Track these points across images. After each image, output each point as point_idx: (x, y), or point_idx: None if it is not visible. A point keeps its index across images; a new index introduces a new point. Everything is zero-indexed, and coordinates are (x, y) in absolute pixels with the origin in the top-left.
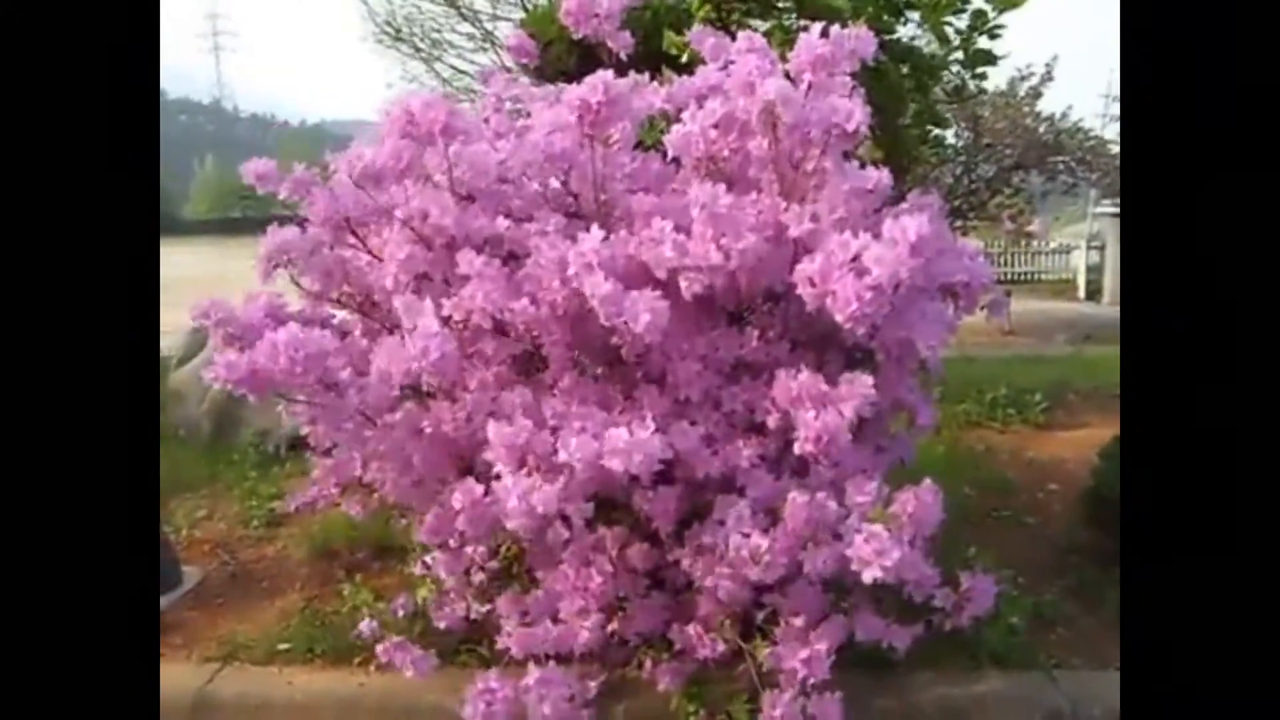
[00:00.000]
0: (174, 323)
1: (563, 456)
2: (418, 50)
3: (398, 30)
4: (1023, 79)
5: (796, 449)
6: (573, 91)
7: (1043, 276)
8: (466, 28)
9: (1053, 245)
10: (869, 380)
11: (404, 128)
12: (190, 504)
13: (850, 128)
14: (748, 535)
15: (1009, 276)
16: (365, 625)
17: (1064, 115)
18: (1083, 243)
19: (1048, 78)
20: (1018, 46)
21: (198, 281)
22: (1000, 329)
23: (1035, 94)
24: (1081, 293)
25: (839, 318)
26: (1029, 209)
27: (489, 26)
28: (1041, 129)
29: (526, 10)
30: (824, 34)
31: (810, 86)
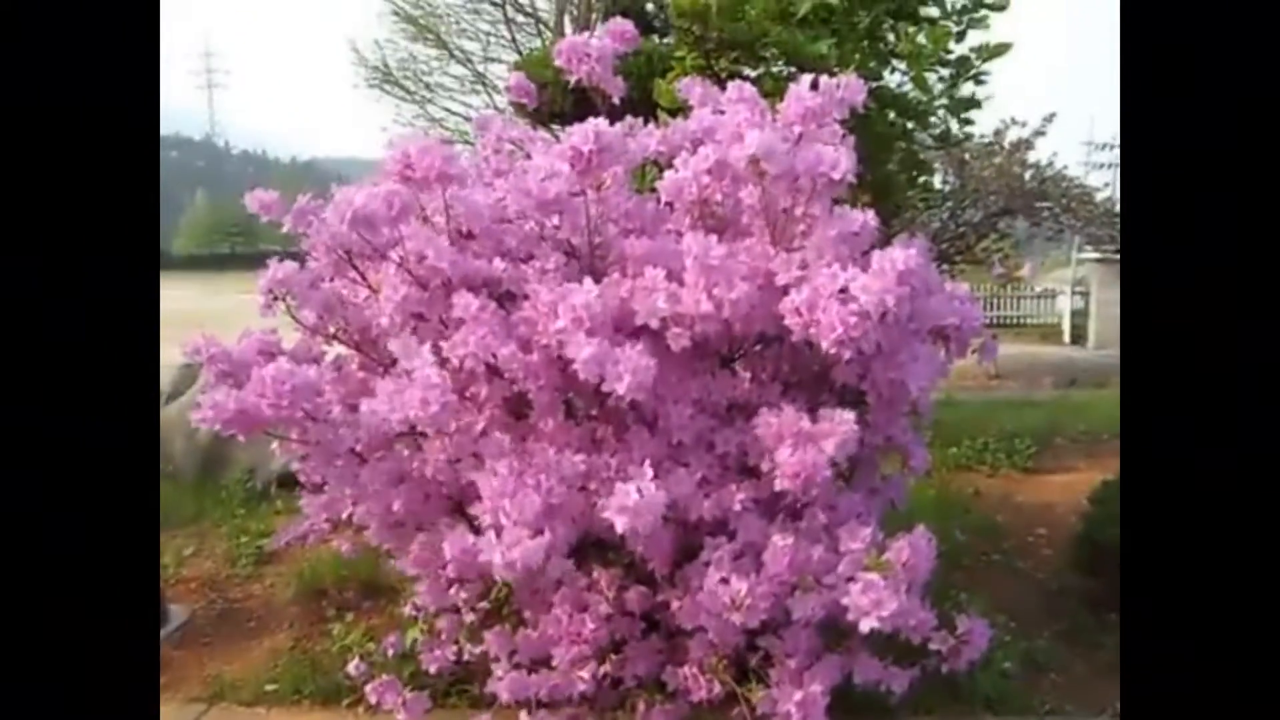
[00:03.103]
0: (164, 358)
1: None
2: (410, 93)
3: (388, 74)
4: (1008, 127)
5: (777, 486)
6: (565, 140)
7: (1028, 321)
8: (458, 69)
9: (1038, 290)
10: (850, 417)
11: (401, 172)
12: (178, 541)
13: (836, 176)
14: (727, 580)
15: (995, 320)
16: (354, 666)
17: (1049, 163)
18: (1068, 288)
19: (1040, 132)
20: (1004, 95)
21: (188, 317)
22: (987, 373)
23: (1027, 145)
24: (1067, 337)
25: (824, 344)
26: (1016, 254)
27: (480, 69)
28: (1027, 176)
29: (519, 53)
30: (814, 85)
31: (800, 136)
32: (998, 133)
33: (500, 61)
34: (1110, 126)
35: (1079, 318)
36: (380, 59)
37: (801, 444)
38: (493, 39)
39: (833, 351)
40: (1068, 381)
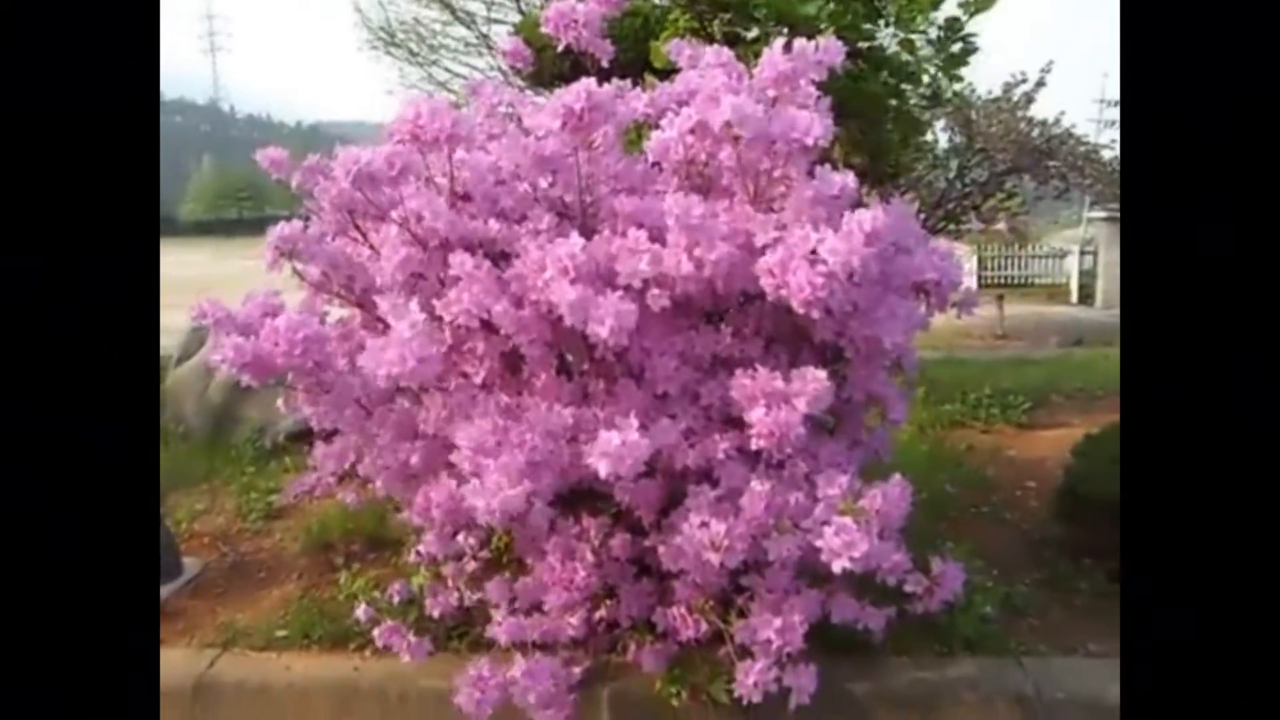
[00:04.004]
0: (173, 323)
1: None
2: (413, 55)
3: (392, 36)
4: (1017, 84)
5: (753, 445)
6: (558, 98)
7: (1037, 281)
8: (461, 31)
9: (1046, 250)
10: (822, 375)
11: (411, 131)
12: (190, 498)
13: (809, 141)
14: (706, 524)
15: (1003, 280)
16: (362, 611)
17: (1057, 120)
18: (1076, 247)
19: (1041, 84)
20: (1012, 53)
21: (197, 282)
22: (993, 333)
23: (1028, 99)
24: (1074, 297)
25: (794, 304)
26: (1022, 211)
27: (484, 30)
28: (1035, 134)
29: (522, 13)
30: (787, 48)
31: (775, 100)
32: (1007, 87)
33: (503, 23)
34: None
35: (1087, 277)
36: (384, 20)
37: (775, 403)
38: (495, 0)
39: (802, 312)
40: (1073, 340)
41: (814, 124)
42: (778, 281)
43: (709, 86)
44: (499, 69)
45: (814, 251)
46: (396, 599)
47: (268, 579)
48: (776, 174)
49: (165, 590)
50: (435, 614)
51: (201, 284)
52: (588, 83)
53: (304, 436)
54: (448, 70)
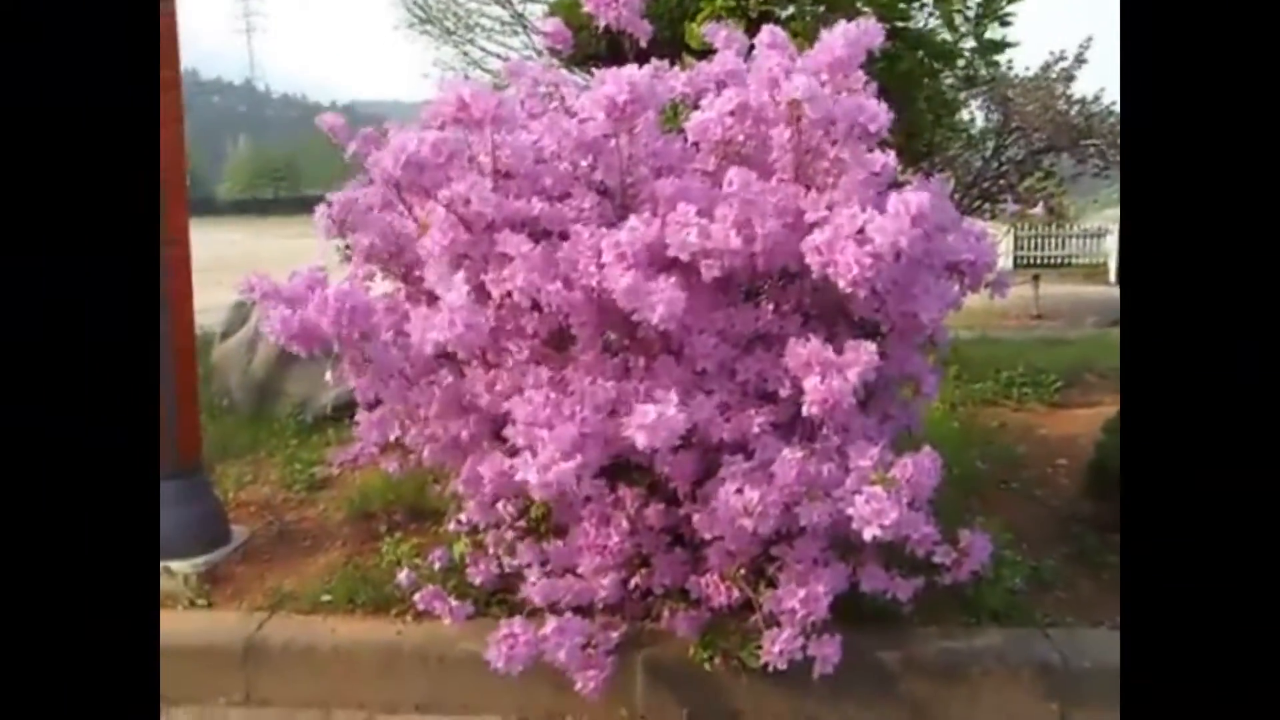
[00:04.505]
0: (215, 300)
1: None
2: (449, 33)
3: (428, 13)
4: (1056, 62)
5: (804, 411)
6: (599, 90)
7: (1074, 260)
8: (497, 10)
9: (1083, 229)
10: (873, 348)
11: (455, 114)
12: (235, 469)
13: (873, 129)
14: (740, 491)
15: (1041, 260)
16: (404, 575)
17: (1095, 98)
18: (1114, 226)
19: (1080, 59)
20: (1050, 30)
21: (235, 260)
22: (1029, 313)
23: (1068, 76)
24: (1112, 276)
25: (840, 283)
26: (1060, 192)
27: (520, 9)
28: (1073, 112)
29: None
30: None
31: (826, 84)
32: (1045, 67)
33: (538, 1)
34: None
35: None
36: None
37: (828, 372)
38: None
39: (849, 290)
40: (1110, 321)
41: (879, 113)
42: (825, 260)
43: (765, 67)
44: (534, 48)
45: (861, 231)
46: (438, 565)
47: (313, 546)
48: (830, 155)
49: (216, 555)
50: (476, 581)
51: (242, 262)
52: (629, 72)
53: (345, 410)
54: (483, 49)
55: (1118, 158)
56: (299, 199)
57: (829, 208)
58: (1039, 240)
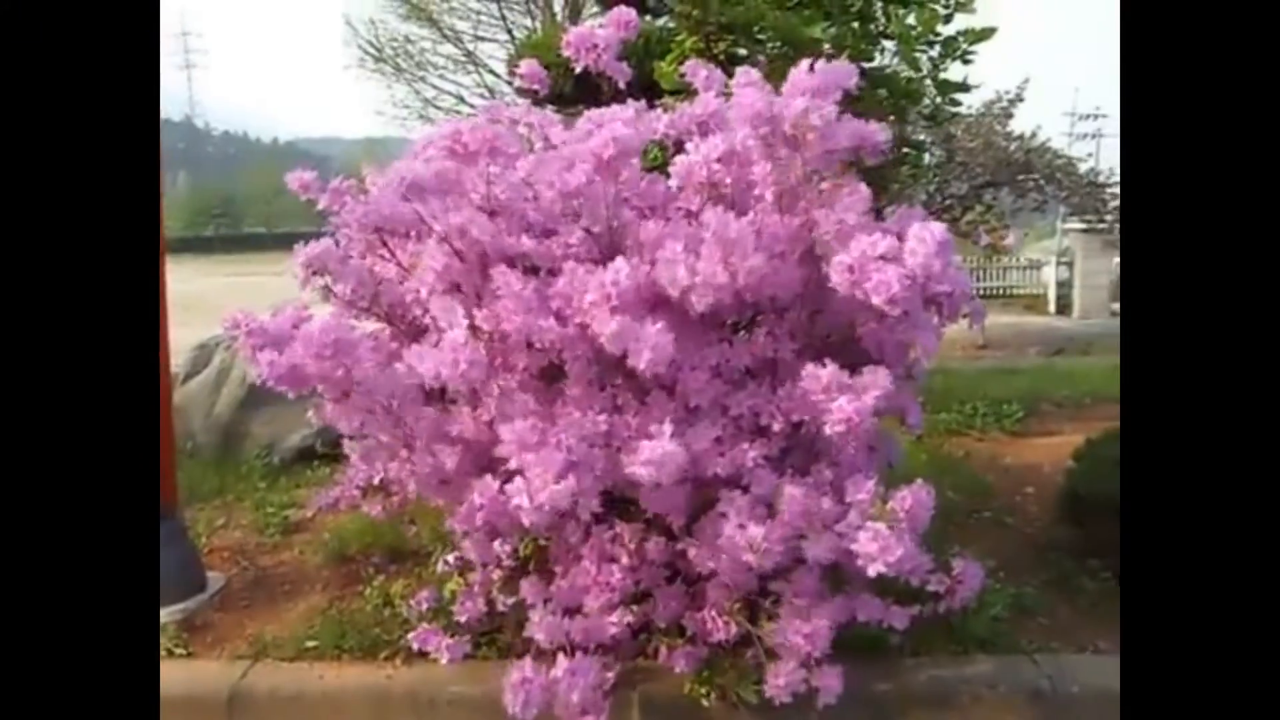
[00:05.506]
0: (176, 341)
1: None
2: (400, 70)
3: (380, 52)
4: (997, 100)
5: (827, 430)
6: (590, 141)
7: (1014, 291)
8: (449, 49)
9: (1023, 261)
10: (887, 374)
11: (451, 148)
12: (206, 514)
13: (875, 143)
14: (744, 526)
15: (982, 291)
16: (409, 606)
17: (1033, 135)
18: (1052, 258)
19: (1018, 99)
20: (987, 71)
21: (181, 299)
22: (974, 342)
23: (1006, 114)
24: (1052, 307)
25: (876, 300)
26: (1001, 225)
27: (470, 47)
28: (1012, 148)
29: (509, 32)
30: (810, 69)
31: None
32: (988, 104)
33: (491, 40)
34: (1092, 98)
35: (1064, 288)
36: (373, 36)
37: (850, 394)
38: (483, 17)
39: (885, 309)
40: (1054, 350)
41: (879, 131)
42: (855, 279)
43: (746, 103)
44: (486, 86)
45: (882, 256)
46: (425, 605)
47: (292, 591)
48: (821, 185)
49: (192, 603)
50: (462, 619)
51: (188, 301)
52: (613, 129)
53: (311, 453)
54: (435, 87)
55: (1056, 191)
56: (238, 237)
57: (839, 223)
58: (980, 272)
